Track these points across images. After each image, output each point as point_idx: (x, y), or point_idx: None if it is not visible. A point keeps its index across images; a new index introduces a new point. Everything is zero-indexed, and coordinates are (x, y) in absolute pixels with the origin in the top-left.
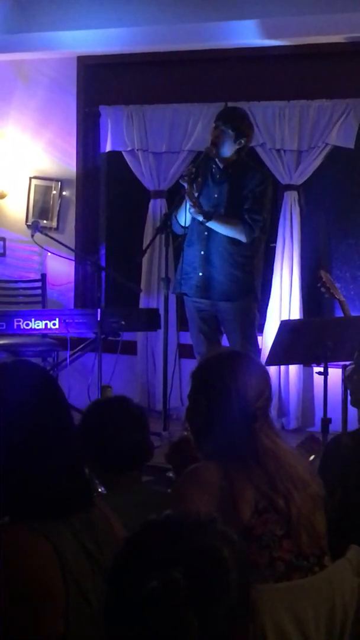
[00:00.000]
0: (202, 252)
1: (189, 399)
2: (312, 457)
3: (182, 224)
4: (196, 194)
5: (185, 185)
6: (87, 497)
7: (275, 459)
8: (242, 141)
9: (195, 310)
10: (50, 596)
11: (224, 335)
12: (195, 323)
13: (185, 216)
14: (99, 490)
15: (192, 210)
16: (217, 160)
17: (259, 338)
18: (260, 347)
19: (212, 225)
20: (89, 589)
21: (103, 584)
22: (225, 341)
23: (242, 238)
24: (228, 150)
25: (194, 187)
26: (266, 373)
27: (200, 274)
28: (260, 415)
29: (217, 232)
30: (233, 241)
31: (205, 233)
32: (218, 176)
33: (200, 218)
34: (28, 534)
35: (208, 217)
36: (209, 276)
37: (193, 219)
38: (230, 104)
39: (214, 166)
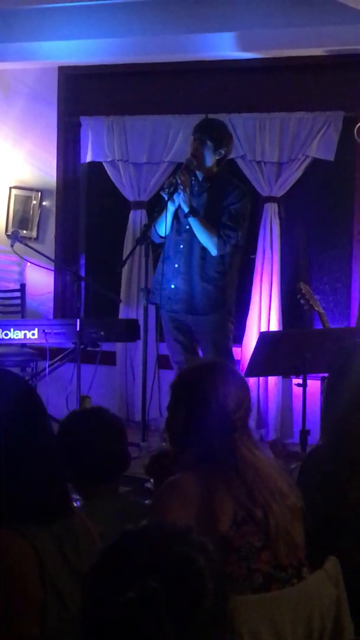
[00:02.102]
0: (177, 265)
1: (169, 409)
2: (293, 466)
3: (161, 234)
4: (183, 198)
5: (166, 196)
6: (68, 505)
7: (254, 470)
8: (222, 152)
9: (170, 320)
10: (27, 598)
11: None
12: (171, 332)
13: (165, 227)
14: (75, 504)
15: (183, 196)
16: (196, 172)
17: (238, 349)
18: (235, 359)
19: (193, 223)
20: (67, 595)
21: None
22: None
23: (213, 250)
24: (208, 159)
25: (187, 176)
26: (245, 383)
27: (173, 286)
28: (239, 426)
29: (192, 247)
30: (207, 256)
31: (181, 246)
32: (197, 188)
33: (186, 209)
34: (10, 536)
35: (194, 212)
36: (181, 289)
37: (172, 231)
38: (210, 116)
39: (193, 178)
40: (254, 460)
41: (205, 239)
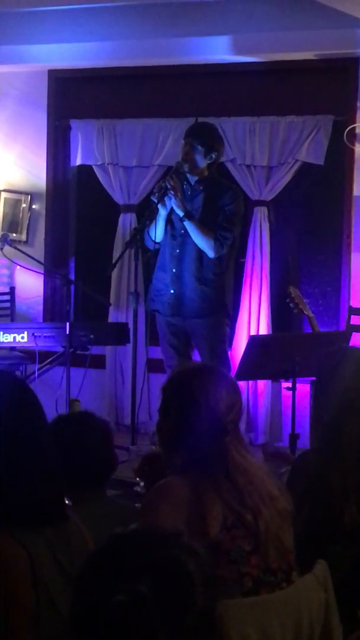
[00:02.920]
0: (174, 270)
1: (160, 412)
2: (283, 470)
3: (154, 239)
4: (176, 202)
5: (156, 200)
6: (62, 508)
7: (245, 474)
8: (213, 155)
9: (166, 325)
10: (19, 603)
11: (195, 349)
12: (166, 336)
13: (155, 231)
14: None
15: (175, 201)
16: (188, 175)
17: (230, 354)
18: (230, 362)
19: (189, 226)
20: (60, 599)
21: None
22: (196, 354)
23: (210, 253)
24: (198, 163)
25: (178, 181)
26: (237, 387)
27: (172, 291)
28: (231, 429)
29: (188, 251)
30: (203, 259)
31: (177, 251)
32: (189, 192)
33: (181, 213)
34: (3, 540)
35: (189, 215)
36: (181, 294)
37: (166, 236)
38: (200, 119)
39: (185, 182)
40: (245, 463)
41: (202, 242)
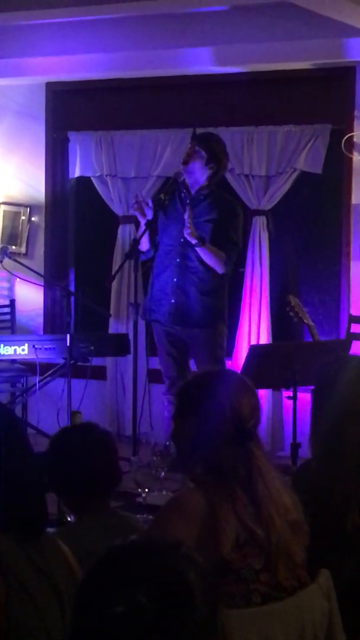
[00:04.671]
0: (175, 280)
1: (175, 420)
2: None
3: (143, 250)
4: (186, 230)
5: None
6: (39, 527)
7: (264, 481)
8: (214, 166)
9: (164, 335)
10: None
11: (192, 358)
12: (164, 347)
13: (147, 241)
14: (68, 519)
15: (187, 232)
16: (186, 185)
17: (228, 363)
18: None
19: (202, 251)
20: (32, 588)
21: (47, 587)
22: (193, 364)
23: (220, 269)
24: (197, 170)
25: (189, 210)
26: (255, 390)
27: (173, 301)
28: (254, 434)
29: (188, 260)
30: (205, 268)
31: (177, 260)
32: (188, 201)
33: (194, 241)
34: None
35: (202, 242)
36: (182, 303)
37: (164, 245)
38: (198, 130)
39: (183, 190)
40: (266, 470)
41: (213, 262)
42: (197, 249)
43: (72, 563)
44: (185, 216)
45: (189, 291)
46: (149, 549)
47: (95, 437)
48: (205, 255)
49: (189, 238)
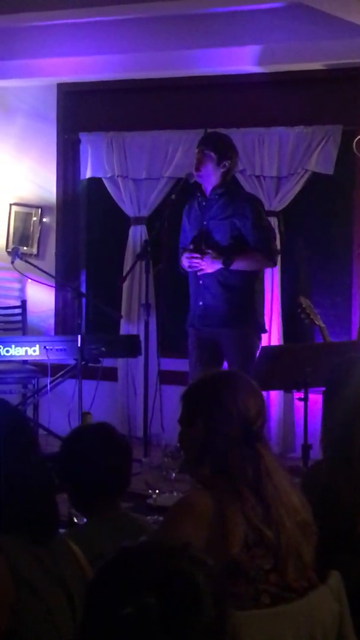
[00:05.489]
0: (201, 282)
1: (181, 422)
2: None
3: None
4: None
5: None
6: (51, 530)
7: (273, 482)
8: (226, 164)
9: (196, 337)
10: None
11: (223, 365)
12: (195, 351)
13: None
14: (76, 521)
15: (209, 261)
16: (201, 188)
17: None
18: None
19: (234, 268)
20: (42, 590)
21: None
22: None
23: (268, 265)
24: (211, 173)
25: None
26: (260, 391)
27: (201, 303)
28: (261, 435)
29: (212, 261)
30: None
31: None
32: (204, 203)
33: (221, 265)
34: None
35: (228, 262)
36: (209, 304)
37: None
38: (209, 131)
39: (199, 194)
40: (274, 472)
41: (254, 267)
42: (232, 267)
43: (83, 564)
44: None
45: (215, 292)
46: (157, 550)
47: (110, 437)
48: (240, 267)
49: (215, 267)
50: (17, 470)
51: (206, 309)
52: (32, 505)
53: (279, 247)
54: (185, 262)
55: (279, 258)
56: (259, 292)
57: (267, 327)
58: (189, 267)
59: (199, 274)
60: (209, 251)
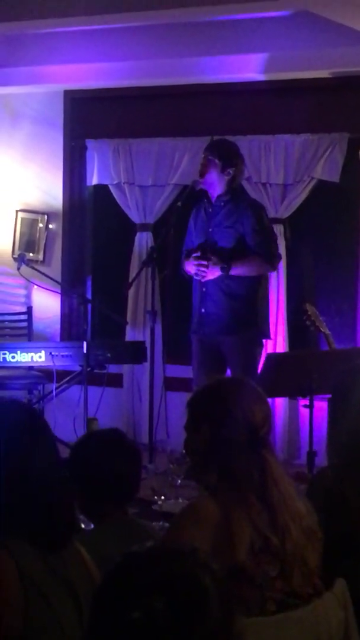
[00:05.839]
0: (204, 289)
1: (187, 429)
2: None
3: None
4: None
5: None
6: (67, 535)
7: (278, 488)
8: (231, 171)
9: (199, 344)
10: (6, 602)
11: (227, 371)
12: (198, 357)
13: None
14: (82, 526)
15: (212, 267)
16: (207, 194)
17: None
18: None
19: (233, 273)
20: (51, 596)
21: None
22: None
23: (268, 269)
24: (215, 180)
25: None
26: (265, 398)
27: (203, 310)
28: (267, 442)
29: (212, 267)
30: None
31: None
32: (210, 210)
33: (220, 272)
34: None
35: (227, 268)
36: (211, 312)
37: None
38: (215, 138)
39: (205, 200)
40: (279, 478)
41: (255, 270)
42: (231, 274)
43: (91, 568)
44: (199, 262)
45: (217, 299)
46: (164, 555)
47: (120, 443)
48: (240, 272)
49: (215, 273)
50: (38, 474)
51: (208, 316)
52: (52, 510)
53: (282, 252)
54: (192, 268)
55: (282, 263)
56: (263, 299)
57: (271, 334)
58: (195, 274)
59: (202, 280)
60: (211, 257)
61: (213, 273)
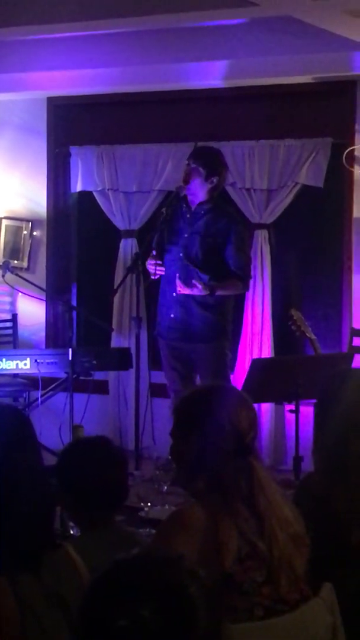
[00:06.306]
0: (175, 294)
1: (173, 436)
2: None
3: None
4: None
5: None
6: (53, 538)
7: (265, 494)
8: (214, 180)
9: (168, 348)
10: (4, 621)
11: (196, 378)
12: (168, 360)
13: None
14: (71, 532)
15: (199, 288)
16: (187, 200)
17: (230, 377)
18: None
19: (218, 295)
20: (45, 621)
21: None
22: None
23: (242, 290)
24: (198, 187)
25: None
26: (252, 403)
27: (172, 315)
28: (253, 447)
29: (188, 275)
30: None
31: (177, 275)
32: (188, 216)
33: (207, 292)
34: None
35: (213, 291)
36: (182, 318)
37: (166, 260)
38: (200, 144)
39: (184, 205)
40: (267, 486)
41: (233, 291)
42: (215, 295)
43: (82, 574)
44: (194, 281)
45: (189, 306)
46: (151, 562)
47: (107, 450)
48: (222, 293)
49: (201, 293)
50: (21, 479)
51: (178, 322)
52: (33, 516)
53: (267, 258)
54: (151, 268)
55: (267, 269)
56: (231, 309)
57: (256, 339)
58: (153, 274)
59: (175, 293)
60: (198, 286)
61: (193, 292)
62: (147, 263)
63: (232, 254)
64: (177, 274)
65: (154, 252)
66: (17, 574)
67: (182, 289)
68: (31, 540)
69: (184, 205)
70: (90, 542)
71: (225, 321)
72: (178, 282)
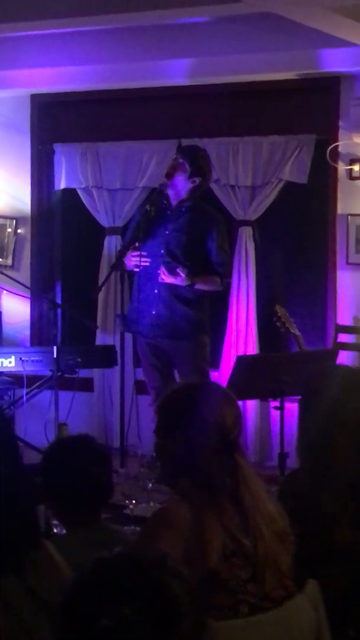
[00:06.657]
0: (156, 291)
1: (158, 434)
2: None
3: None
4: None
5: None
6: (35, 538)
7: (250, 491)
8: (197, 180)
9: (147, 346)
10: None
11: (175, 369)
12: (147, 358)
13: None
14: (55, 531)
15: (182, 277)
16: (168, 196)
17: (215, 374)
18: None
19: (196, 288)
20: (31, 625)
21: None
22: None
23: (219, 288)
24: (180, 183)
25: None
26: (236, 400)
27: (154, 312)
28: (238, 445)
29: (170, 271)
30: None
31: (158, 272)
32: (169, 212)
33: (188, 282)
34: None
35: (193, 283)
36: (163, 315)
37: (149, 256)
38: (184, 141)
39: (165, 201)
40: (252, 482)
41: (211, 287)
42: (196, 287)
43: (65, 575)
44: (179, 270)
45: (170, 303)
46: (134, 561)
47: (91, 449)
48: (200, 287)
49: (184, 283)
50: (1, 479)
51: (160, 319)
52: (16, 516)
53: (251, 254)
54: (131, 261)
55: (252, 265)
56: (208, 306)
57: (240, 335)
58: (135, 265)
59: (156, 290)
60: (181, 275)
61: (175, 281)
62: (128, 255)
63: (213, 252)
64: (161, 266)
65: (137, 244)
66: (0, 576)
67: (166, 277)
68: (13, 541)
69: (165, 202)
70: (75, 540)
71: (204, 316)
72: (162, 269)
